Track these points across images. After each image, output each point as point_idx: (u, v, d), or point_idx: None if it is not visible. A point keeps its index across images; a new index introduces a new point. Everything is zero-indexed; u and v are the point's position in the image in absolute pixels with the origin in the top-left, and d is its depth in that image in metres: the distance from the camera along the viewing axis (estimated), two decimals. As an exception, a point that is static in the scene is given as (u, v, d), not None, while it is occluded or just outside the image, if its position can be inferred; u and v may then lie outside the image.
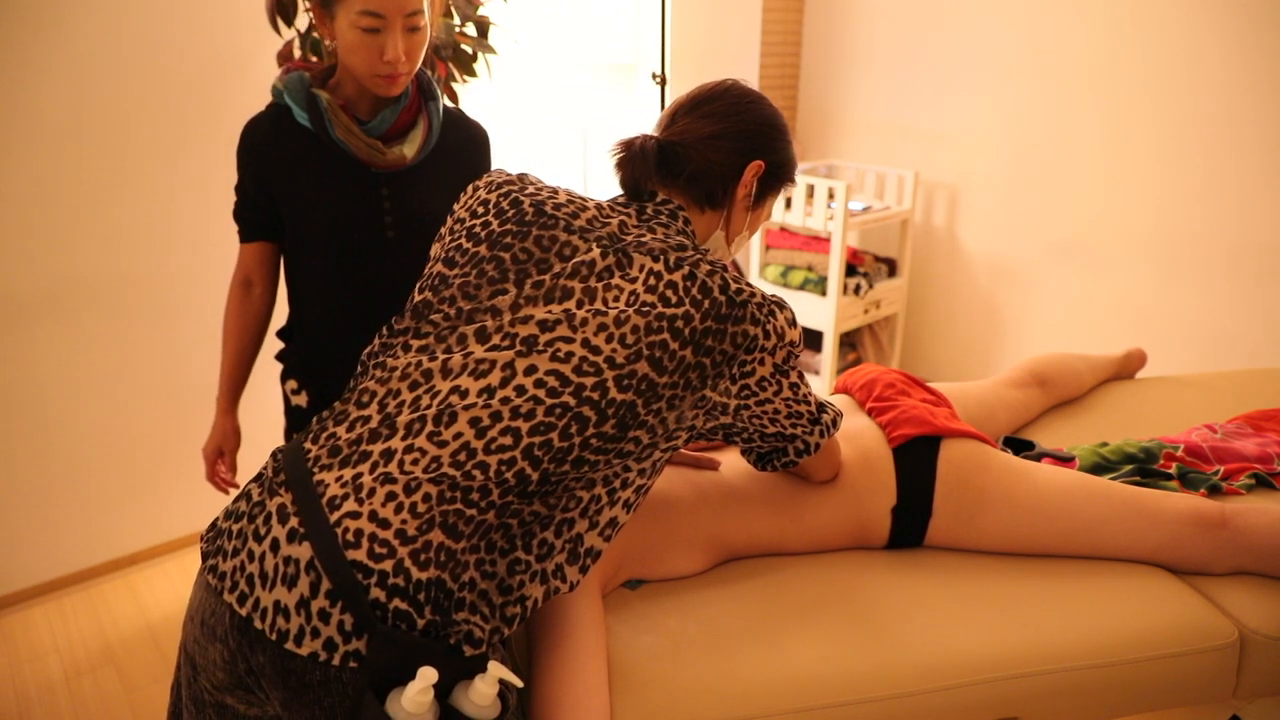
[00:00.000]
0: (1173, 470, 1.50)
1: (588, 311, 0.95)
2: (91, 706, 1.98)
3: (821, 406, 1.14)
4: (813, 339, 3.26)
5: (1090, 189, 2.91)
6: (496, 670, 0.82)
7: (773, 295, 1.04)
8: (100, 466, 2.36)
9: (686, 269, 0.99)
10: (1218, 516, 1.31)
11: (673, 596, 1.21)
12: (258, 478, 0.94)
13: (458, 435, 0.88)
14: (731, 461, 1.32)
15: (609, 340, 0.94)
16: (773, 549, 1.31)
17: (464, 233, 1.05)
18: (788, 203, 3.11)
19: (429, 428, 0.89)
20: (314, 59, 2.00)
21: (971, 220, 3.25)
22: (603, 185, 3.15)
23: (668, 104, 1.13)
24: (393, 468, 0.87)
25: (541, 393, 0.90)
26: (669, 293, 0.97)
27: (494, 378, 0.91)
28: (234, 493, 2.25)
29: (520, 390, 0.90)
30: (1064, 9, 2.84)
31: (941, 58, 3.18)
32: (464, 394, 0.90)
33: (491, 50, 2.30)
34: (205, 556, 0.91)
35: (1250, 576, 1.32)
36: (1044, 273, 3.09)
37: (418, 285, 1.06)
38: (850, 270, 3.11)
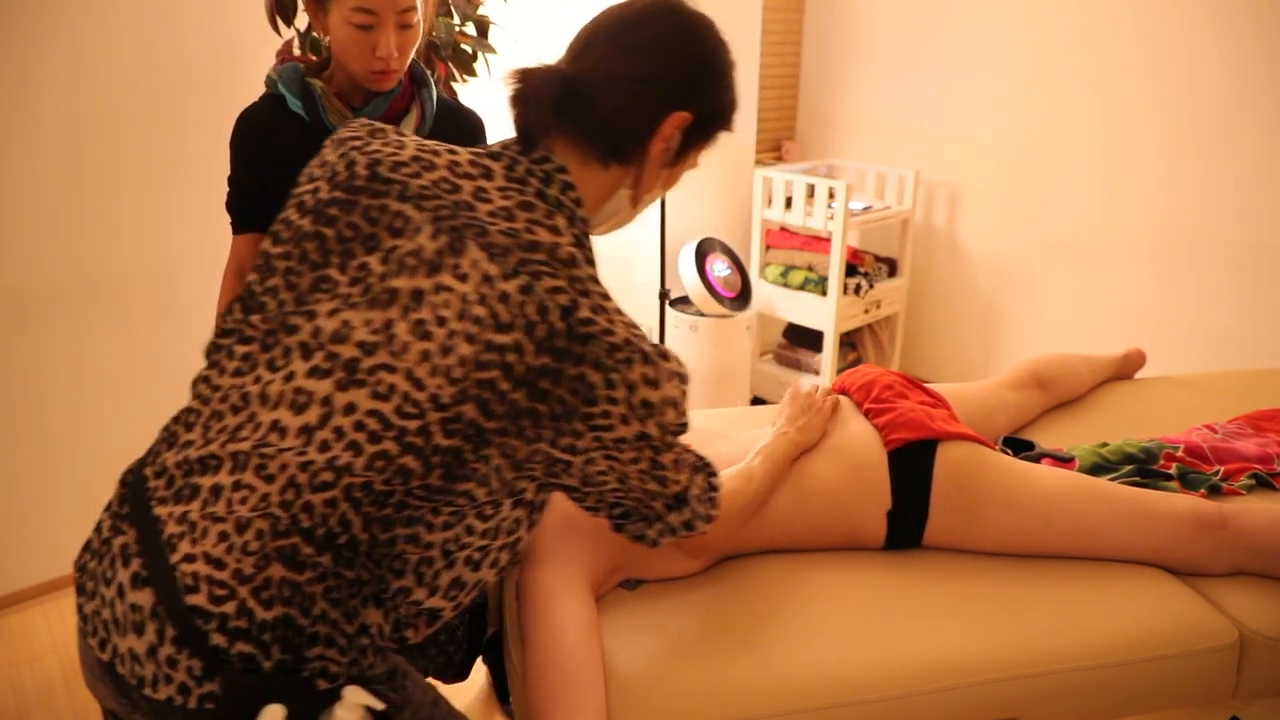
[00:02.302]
0: (1173, 470, 1.50)
1: (411, 328, 0.82)
2: (91, 706, 1.98)
3: (681, 498, 0.94)
4: (813, 339, 3.26)
5: (1091, 189, 2.90)
6: (354, 696, 0.80)
7: (655, 345, 0.87)
8: (101, 466, 2.35)
9: (524, 279, 0.82)
10: (1217, 517, 1.31)
11: (671, 597, 1.21)
12: (108, 506, 0.88)
13: (283, 467, 0.81)
14: (723, 458, 1.32)
15: (434, 374, 0.81)
16: (767, 548, 1.31)
17: (295, 201, 0.91)
18: (788, 202, 3.10)
19: (255, 461, 0.81)
20: (314, 58, 2.00)
21: (972, 220, 3.25)
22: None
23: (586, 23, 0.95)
24: (221, 506, 0.81)
25: (361, 437, 0.80)
26: (500, 309, 0.81)
27: (312, 415, 0.81)
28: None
29: (339, 433, 0.81)
30: (1065, 9, 2.83)
31: (942, 57, 3.18)
32: (283, 432, 0.82)
33: (491, 50, 2.30)
34: (77, 591, 0.87)
35: (1250, 577, 1.32)
36: (1044, 273, 3.09)
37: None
38: (850, 270, 3.11)
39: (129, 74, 2.13)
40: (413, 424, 0.80)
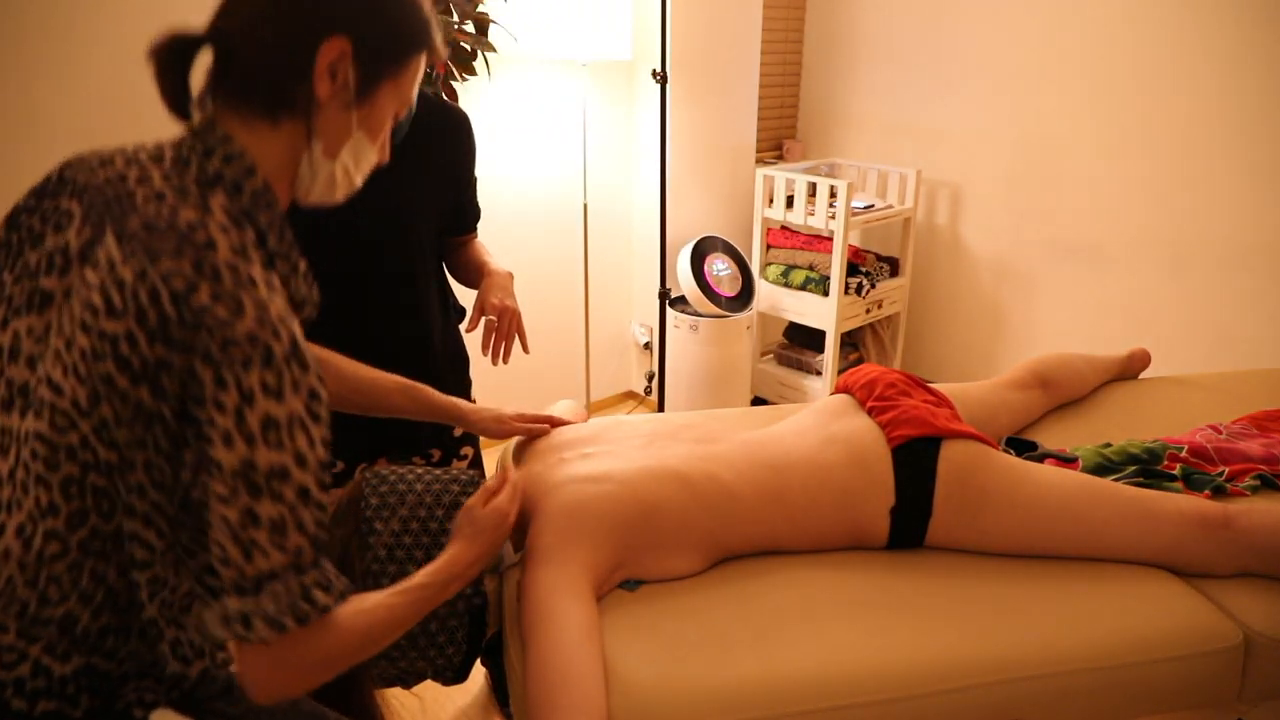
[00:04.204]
0: (1177, 471, 1.49)
1: (57, 330, 0.74)
2: None
3: (257, 582, 0.73)
4: (814, 339, 3.25)
5: (1093, 188, 2.89)
6: (160, 718, 0.79)
7: (298, 351, 0.74)
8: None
9: (141, 262, 0.71)
10: (1221, 517, 1.30)
11: (671, 598, 1.20)
12: None
13: (8, 553, 0.74)
14: (723, 456, 1.31)
15: (66, 374, 0.72)
16: (769, 547, 1.30)
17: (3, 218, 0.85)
18: (789, 201, 3.09)
19: None
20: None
21: (974, 219, 3.24)
22: (600, 184, 3.14)
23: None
24: None
25: (41, 467, 0.72)
26: (115, 296, 0.71)
27: (12, 456, 0.74)
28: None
29: (27, 469, 0.73)
30: (1066, 7, 2.82)
31: (943, 56, 3.17)
32: None
33: (491, 48, 2.29)
34: None
35: (1255, 578, 1.31)
36: (1047, 272, 3.08)
37: None
38: (852, 269, 3.10)
39: (127, 74, 2.12)
40: (74, 437, 0.72)
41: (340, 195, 0.91)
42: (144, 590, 0.76)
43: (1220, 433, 1.64)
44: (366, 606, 0.84)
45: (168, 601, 0.77)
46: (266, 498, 0.71)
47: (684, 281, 3.00)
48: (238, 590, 0.72)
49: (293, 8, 0.80)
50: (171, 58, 0.79)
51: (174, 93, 0.80)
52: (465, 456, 1.68)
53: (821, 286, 3.06)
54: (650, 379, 3.42)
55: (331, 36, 0.80)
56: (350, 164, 0.88)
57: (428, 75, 2.22)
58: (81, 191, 0.78)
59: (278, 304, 0.75)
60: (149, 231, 0.73)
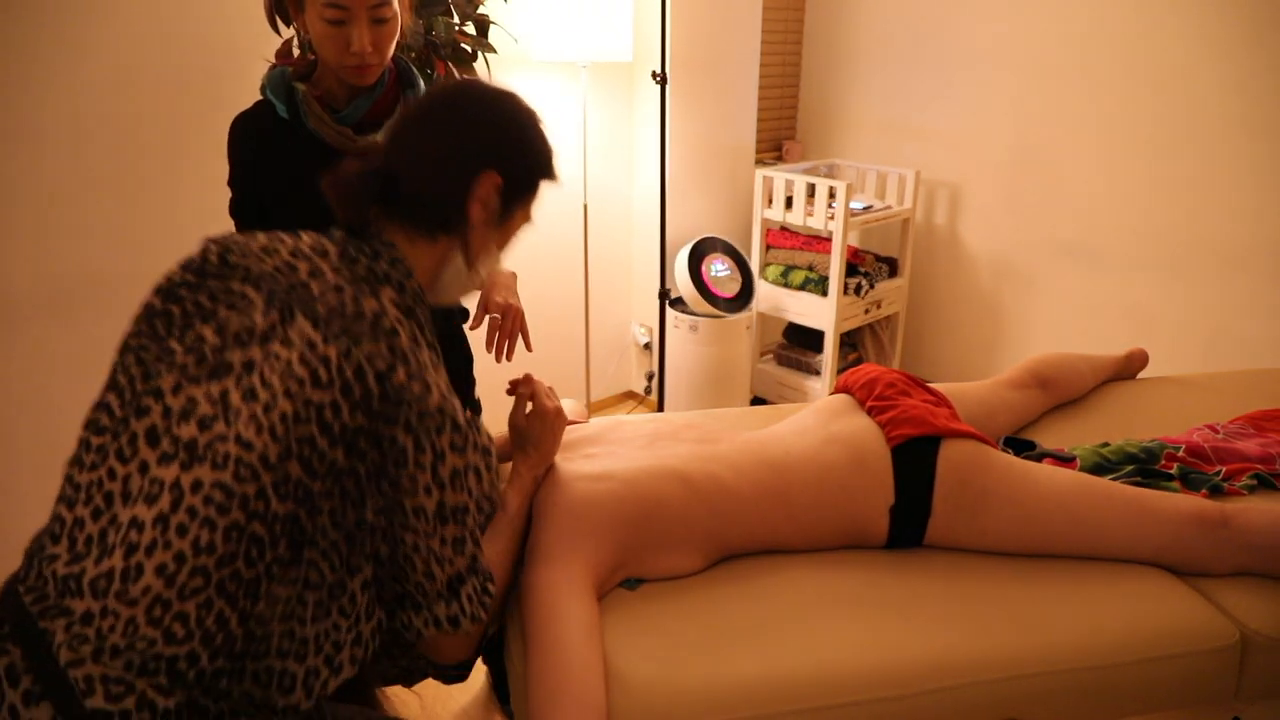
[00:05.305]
0: (1174, 471, 1.49)
1: (243, 395, 0.85)
2: None
3: (458, 578, 0.94)
4: (814, 339, 3.26)
5: (1092, 188, 2.90)
6: None
7: (470, 417, 0.91)
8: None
9: (344, 343, 0.86)
10: (1219, 516, 1.31)
11: (672, 597, 1.21)
12: None
13: (146, 590, 0.81)
14: (724, 456, 1.32)
15: (259, 432, 0.83)
16: (769, 546, 1.31)
17: (155, 287, 0.94)
18: (788, 202, 3.10)
19: (115, 585, 0.82)
20: (311, 56, 2.00)
21: (973, 219, 3.25)
22: (600, 185, 3.14)
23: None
24: (91, 630, 0.82)
25: (211, 511, 0.81)
26: (321, 370, 0.84)
27: (165, 502, 0.82)
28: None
29: (192, 513, 0.82)
30: (1066, 7, 2.83)
31: (942, 56, 3.17)
32: (140, 528, 0.82)
33: (491, 49, 2.30)
34: None
35: (1252, 577, 1.31)
36: (1046, 272, 3.08)
37: None
38: (851, 270, 3.11)
39: (129, 74, 2.13)
40: (251, 488, 0.82)
41: (467, 295, 1.11)
42: (309, 613, 0.87)
43: (1217, 432, 1.64)
44: (496, 562, 1.07)
45: (299, 636, 0.87)
46: (452, 524, 0.91)
47: (681, 283, 3.01)
48: (440, 598, 0.93)
49: (457, 148, 0.99)
50: (353, 189, 0.96)
51: (355, 216, 0.97)
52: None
53: (821, 287, 3.06)
54: (650, 379, 3.43)
55: (486, 171, 0.99)
56: (483, 272, 1.07)
57: (427, 76, 2.23)
58: (256, 280, 0.91)
59: (443, 381, 0.91)
60: (342, 316, 0.87)
